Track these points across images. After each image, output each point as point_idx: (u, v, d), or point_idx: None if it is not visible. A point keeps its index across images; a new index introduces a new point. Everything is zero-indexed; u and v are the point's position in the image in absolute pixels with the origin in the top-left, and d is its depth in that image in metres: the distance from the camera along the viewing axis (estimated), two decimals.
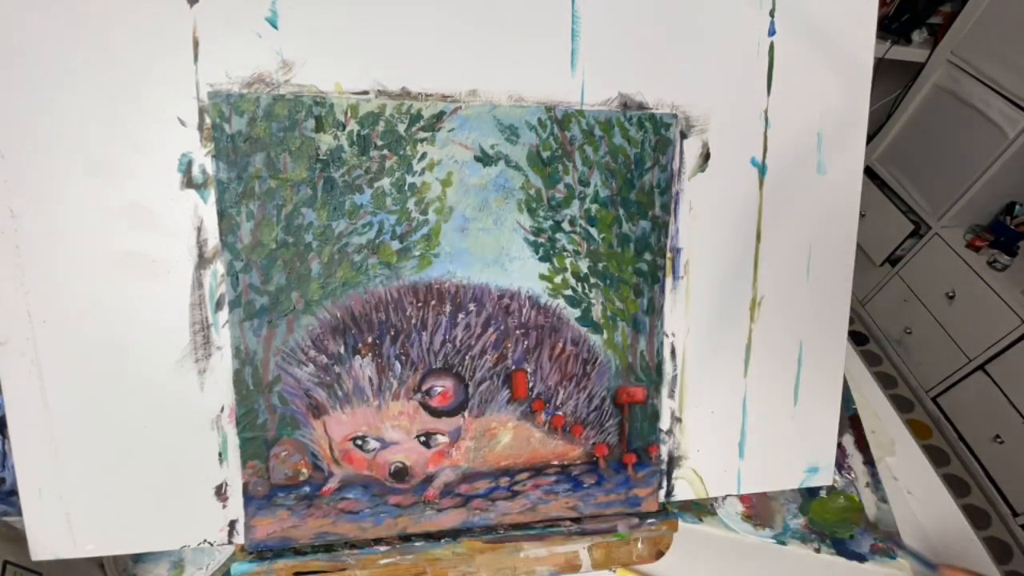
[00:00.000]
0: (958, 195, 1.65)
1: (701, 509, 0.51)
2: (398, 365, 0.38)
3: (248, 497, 0.37)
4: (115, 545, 0.37)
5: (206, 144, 0.34)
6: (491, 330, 0.39)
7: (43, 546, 0.36)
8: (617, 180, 0.40)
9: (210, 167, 0.34)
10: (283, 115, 0.35)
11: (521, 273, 0.39)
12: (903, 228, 1.83)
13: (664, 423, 0.44)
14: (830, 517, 0.52)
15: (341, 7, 0.35)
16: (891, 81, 1.82)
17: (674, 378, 0.43)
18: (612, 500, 0.43)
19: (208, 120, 0.34)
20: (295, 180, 0.35)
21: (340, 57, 0.35)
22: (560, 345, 0.41)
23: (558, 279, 0.40)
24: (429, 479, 0.40)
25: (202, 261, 0.35)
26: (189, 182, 0.34)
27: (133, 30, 0.32)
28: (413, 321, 0.38)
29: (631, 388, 0.42)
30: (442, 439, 0.40)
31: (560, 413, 0.41)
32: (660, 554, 0.45)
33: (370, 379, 0.38)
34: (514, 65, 0.38)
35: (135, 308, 0.35)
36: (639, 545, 0.45)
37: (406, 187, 0.37)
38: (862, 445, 0.59)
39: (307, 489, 0.38)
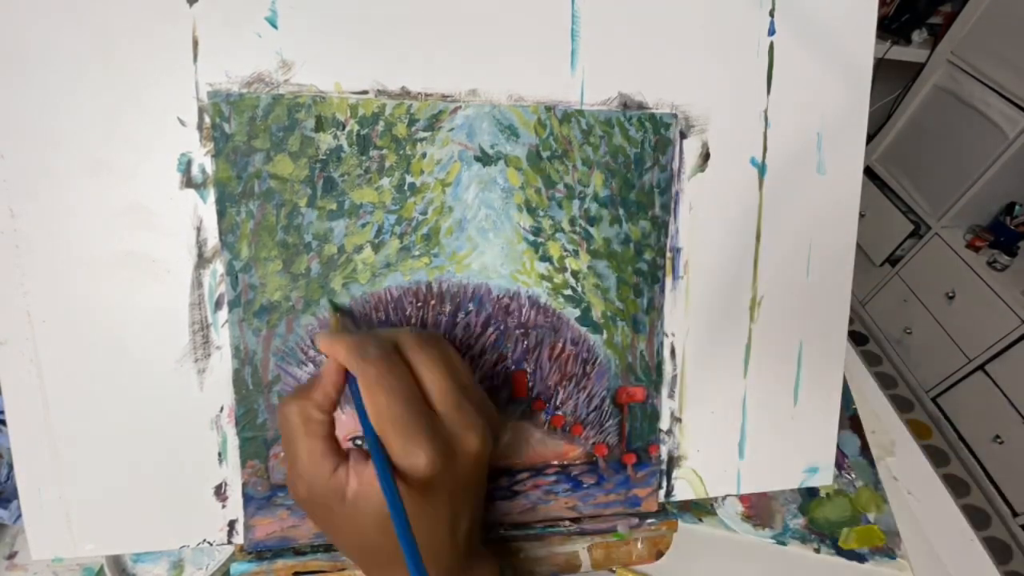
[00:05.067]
0: (958, 195, 1.65)
1: (701, 509, 0.51)
2: None
3: (248, 497, 0.38)
4: (114, 545, 0.37)
5: (206, 144, 0.34)
6: (491, 330, 0.39)
7: (43, 546, 0.36)
8: (617, 180, 0.40)
9: (210, 167, 0.34)
10: (283, 115, 0.35)
11: (521, 273, 0.39)
12: (903, 228, 1.83)
13: (664, 423, 0.44)
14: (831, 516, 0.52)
15: (341, 7, 0.35)
16: (891, 81, 1.83)
17: (674, 378, 0.43)
18: (612, 500, 0.43)
19: (208, 120, 0.34)
20: (295, 180, 0.35)
21: (340, 57, 0.35)
22: (560, 345, 0.41)
23: (558, 279, 0.40)
24: None
25: (201, 261, 0.35)
26: (189, 182, 0.34)
27: (132, 30, 0.32)
28: (413, 321, 0.38)
29: (631, 388, 0.42)
30: None
31: (560, 413, 0.41)
32: (660, 554, 0.45)
33: None
34: (514, 65, 0.38)
35: (135, 308, 0.35)
36: (639, 545, 0.45)
37: (406, 187, 0.37)
38: (862, 445, 0.59)
39: None
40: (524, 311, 0.40)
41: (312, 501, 0.28)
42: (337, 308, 0.36)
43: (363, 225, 0.37)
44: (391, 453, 0.26)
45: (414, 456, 0.26)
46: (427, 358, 0.29)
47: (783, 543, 0.50)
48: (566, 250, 0.40)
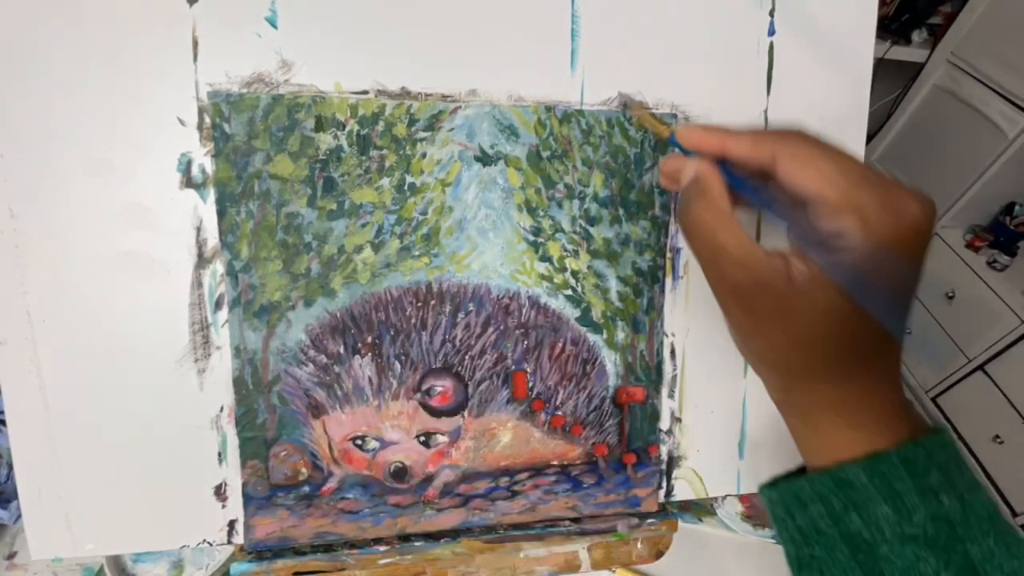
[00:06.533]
0: (958, 195, 1.65)
1: (701, 509, 0.51)
2: (398, 365, 0.38)
3: (247, 497, 0.37)
4: (114, 545, 0.37)
5: (206, 144, 0.34)
6: (491, 330, 0.39)
7: (43, 546, 0.36)
8: (617, 180, 0.40)
9: (210, 167, 0.34)
10: (283, 115, 0.35)
11: (521, 273, 0.39)
12: None
13: (664, 423, 0.44)
14: None
15: (341, 7, 0.35)
16: (891, 81, 1.82)
17: (674, 378, 0.43)
18: (612, 500, 0.43)
19: (208, 120, 0.34)
20: (295, 180, 0.35)
21: (340, 57, 0.35)
22: (560, 345, 0.41)
23: (558, 279, 0.40)
24: (429, 479, 0.40)
25: (201, 261, 0.35)
26: (189, 182, 0.34)
27: (132, 30, 0.32)
28: (413, 321, 0.38)
29: (631, 388, 0.42)
30: (442, 439, 0.40)
31: (560, 413, 0.41)
32: (660, 554, 0.45)
33: (370, 379, 0.38)
34: (514, 65, 0.38)
35: (135, 308, 0.35)
36: (639, 545, 0.45)
37: (406, 187, 0.37)
38: None
39: (306, 489, 0.38)
40: (524, 311, 0.40)
41: (749, 285, 0.25)
42: (628, 104, 0.34)
43: (363, 225, 0.37)
44: (877, 212, 0.23)
45: (903, 204, 0.23)
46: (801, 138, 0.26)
47: None
48: (566, 250, 0.40)
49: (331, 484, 0.39)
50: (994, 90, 1.53)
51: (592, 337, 0.41)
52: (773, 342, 0.26)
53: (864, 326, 0.24)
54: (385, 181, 0.37)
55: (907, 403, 0.26)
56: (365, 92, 0.36)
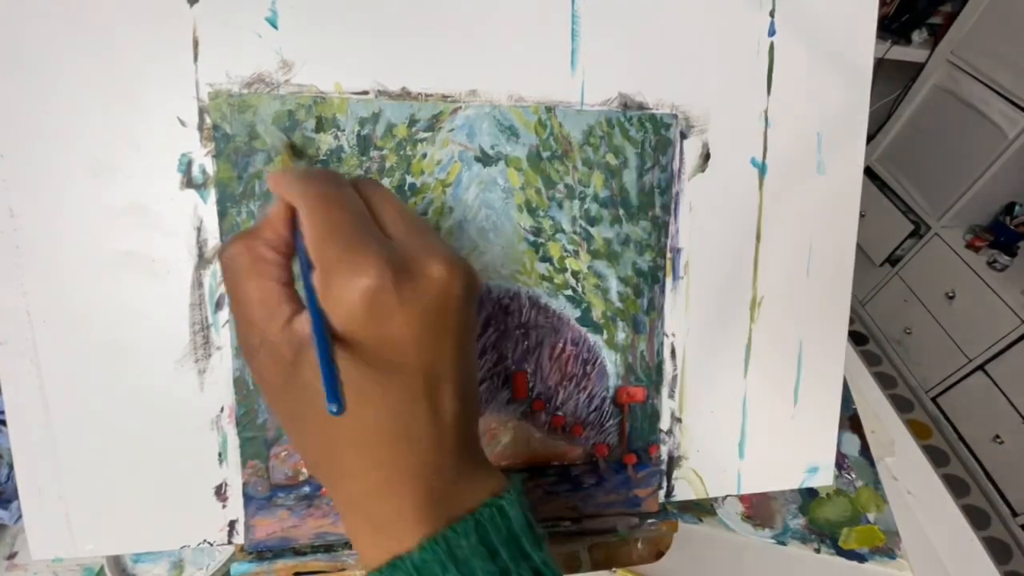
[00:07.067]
0: (958, 195, 1.66)
1: (701, 509, 0.51)
2: None
3: (248, 497, 0.37)
4: (114, 545, 0.37)
5: (206, 144, 0.34)
6: (491, 330, 0.39)
7: (43, 546, 0.36)
8: (617, 180, 0.40)
9: (210, 167, 0.34)
10: (283, 115, 0.35)
11: (521, 273, 0.39)
12: (903, 228, 1.83)
13: (664, 423, 0.44)
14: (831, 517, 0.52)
15: (341, 7, 0.35)
16: (891, 81, 1.83)
17: (674, 378, 0.43)
18: (612, 500, 0.43)
19: (208, 120, 0.34)
20: None
21: (340, 57, 0.35)
22: (560, 345, 0.41)
23: (558, 279, 0.40)
24: None
25: (202, 261, 0.35)
26: (189, 182, 0.34)
27: (133, 30, 0.32)
28: None
29: (631, 388, 0.42)
30: None
31: (560, 413, 0.41)
32: (660, 554, 0.45)
33: None
34: (514, 65, 0.38)
35: (135, 308, 0.35)
36: (639, 545, 0.45)
37: (406, 187, 0.37)
38: (862, 445, 0.59)
39: (307, 489, 0.38)
40: (524, 311, 0.40)
41: (264, 354, 0.22)
42: (292, 145, 0.33)
43: None
44: (331, 276, 0.20)
45: (357, 270, 0.20)
46: (381, 189, 0.24)
47: (783, 543, 0.50)
48: (566, 250, 0.40)
49: None
50: (994, 90, 1.53)
51: (592, 337, 0.41)
52: (287, 415, 0.23)
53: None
54: (385, 182, 0.37)
55: (450, 487, 0.23)
56: (365, 92, 0.36)
